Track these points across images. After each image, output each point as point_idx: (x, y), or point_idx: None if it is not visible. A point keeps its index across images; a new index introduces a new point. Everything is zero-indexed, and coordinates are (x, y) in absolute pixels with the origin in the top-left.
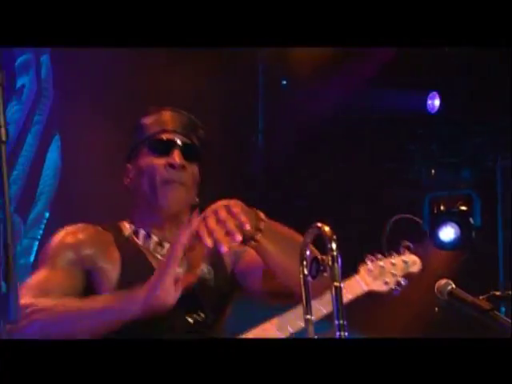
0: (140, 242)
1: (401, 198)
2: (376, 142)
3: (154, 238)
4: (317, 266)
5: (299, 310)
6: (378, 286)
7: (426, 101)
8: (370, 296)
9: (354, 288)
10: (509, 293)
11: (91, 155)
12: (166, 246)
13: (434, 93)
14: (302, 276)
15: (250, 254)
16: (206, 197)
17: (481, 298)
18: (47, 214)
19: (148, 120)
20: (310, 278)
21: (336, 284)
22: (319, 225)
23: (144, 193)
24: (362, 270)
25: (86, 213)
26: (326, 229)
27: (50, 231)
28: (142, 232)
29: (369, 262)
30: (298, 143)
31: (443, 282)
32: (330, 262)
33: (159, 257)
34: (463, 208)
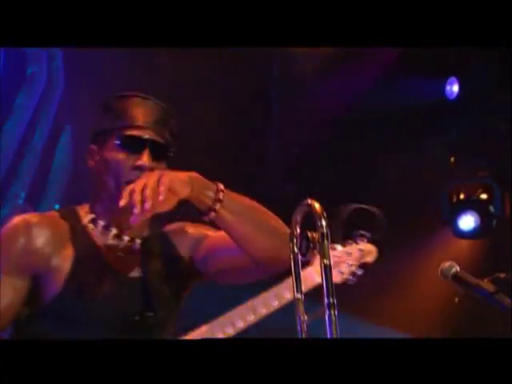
0: (97, 233)
1: (420, 186)
2: (394, 130)
3: (113, 231)
4: (306, 244)
5: (263, 297)
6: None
7: (444, 87)
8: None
9: (304, 280)
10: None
11: None
12: (125, 239)
13: (453, 78)
14: (291, 254)
15: (210, 239)
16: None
17: (485, 280)
18: (57, 206)
19: (119, 105)
20: (300, 256)
21: (326, 262)
22: (309, 201)
23: (108, 188)
24: (316, 260)
25: None
26: (316, 206)
27: None
28: (101, 223)
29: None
30: (313, 131)
31: (447, 264)
32: (320, 239)
33: (118, 252)
34: (483, 196)
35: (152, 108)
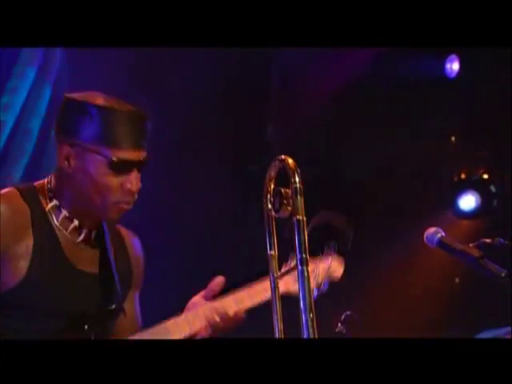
0: (57, 222)
1: (420, 167)
2: (393, 109)
3: (75, 222)
4: (280, 200)
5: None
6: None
7: (444, 65)
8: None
9: (268, 289)
10: (497, 239)
11: None
12: (84, 232)
13: (453, 56)
14: (265, 210)
15: None
16: None
17: (471, 245)
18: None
19: (104, 118)
20: (273, 212)
21: (299, 217)
22: (282, 157)
23: (88, 198)
24: (283, 270)
25: None
26: (290, 161)
27: None
28: (64, 212)
29: (289, 264)
30: (311, 109)
31: (432, 230)
32: (293, 195)
33: (75, 245)
34: (484, 176)
35: (136, 120)
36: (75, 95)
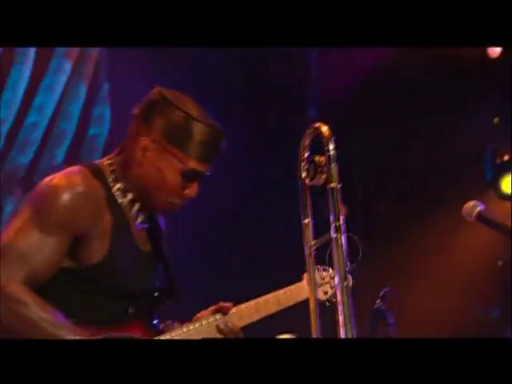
0: (123, 203)
1: (463, 148)
2: (436, 91)
3: (136, 206)
4: (314, 168)
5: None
6: (319, 295)
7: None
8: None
9: (299, 293)
10: None
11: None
12: (142, 214)
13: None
14: (300, 178)
15: None
16: None
17: (510, 219)
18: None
19: (198, 134)
20: (307, 181)
21: (333, 185)
22: (317, 125)
23: (151, 189)
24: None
25: None
26: (324, 129)
27: None
28: (129, 195)
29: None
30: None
31: (472, 203)
32: (328, 163)
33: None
34: None
35: (216, 137)
36: (167, 93)
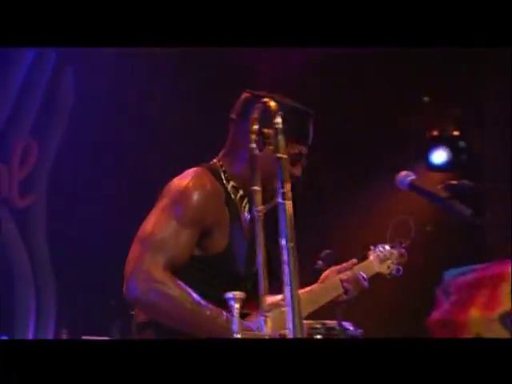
0: (236, 200)
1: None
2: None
3: (245, 200)
4: (263, 139)
5: None
6: (384, 269)
7: None
8: None
9: (370, 268)
10: (462, 181)
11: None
12: (247, 211)
13: None
14: (249, 150)
15: None
16: None
17: (439, 187)
18: None
19: (306, 124)
20: (257, 151)
21: (279, 155)
22: (265, 100)
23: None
24: (371, 255)
25: None
26: (271, 103)
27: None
28: (240, 192)
29: (377, 250)
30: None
31: (403, 173)
32: (275, 135)
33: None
34: (455, 133)
35: (311, 121)
36: (263, 95)
